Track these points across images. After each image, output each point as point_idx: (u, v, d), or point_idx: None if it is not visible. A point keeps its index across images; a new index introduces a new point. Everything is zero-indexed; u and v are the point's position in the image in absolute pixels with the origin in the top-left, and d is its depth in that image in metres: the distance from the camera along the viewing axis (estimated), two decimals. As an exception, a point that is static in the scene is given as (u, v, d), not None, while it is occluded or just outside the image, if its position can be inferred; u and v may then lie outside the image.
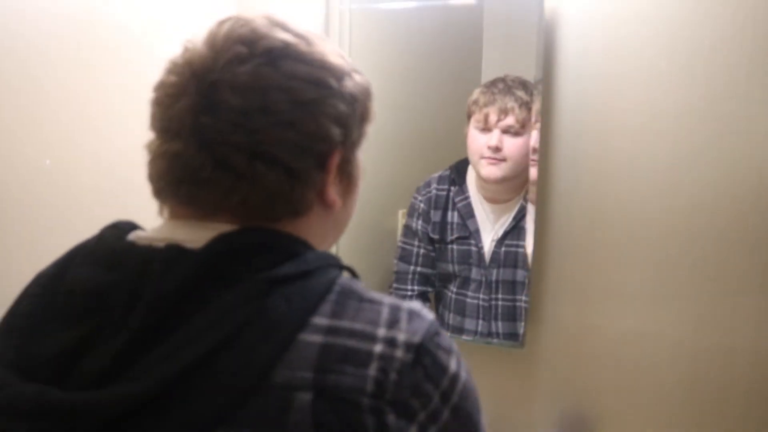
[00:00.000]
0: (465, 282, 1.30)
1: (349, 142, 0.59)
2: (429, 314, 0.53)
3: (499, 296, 1.27)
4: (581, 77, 1.19)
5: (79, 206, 1.15)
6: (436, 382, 0.50)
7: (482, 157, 1.24)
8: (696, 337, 1.14)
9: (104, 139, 1.20)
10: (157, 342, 0.47)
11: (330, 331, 0.49)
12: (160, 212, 0.59)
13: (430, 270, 1.34)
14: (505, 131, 1.22)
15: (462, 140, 1.29)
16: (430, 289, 1.34)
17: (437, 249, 1.33)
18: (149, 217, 0.61)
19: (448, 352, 0.52)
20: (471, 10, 1.29)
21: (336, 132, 0.56)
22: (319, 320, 0.49)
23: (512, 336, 1.25)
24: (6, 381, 0.48)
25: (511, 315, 1.25)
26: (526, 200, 1.25)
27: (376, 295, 0.53)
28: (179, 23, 1.35)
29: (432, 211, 1.33)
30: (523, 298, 1.24)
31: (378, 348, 0.49)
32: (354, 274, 0.57)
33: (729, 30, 1.10)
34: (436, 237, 1.33)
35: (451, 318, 1.31)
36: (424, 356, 0.50)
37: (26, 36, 1.07)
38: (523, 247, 1.25)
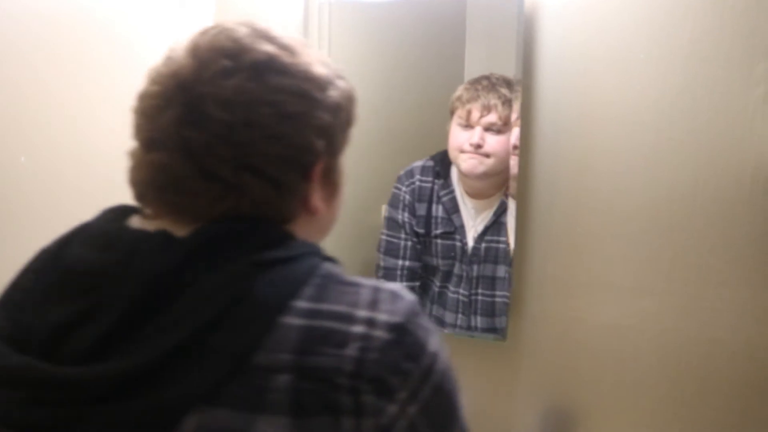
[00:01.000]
0: (447, 276, 1.31)
1: (333, 150, 0.61)
2: (410, 295, 0.55)
3: (479, 291, 1.28)
4: (561, 69, 1.17)
5: (55, 203, 1.16)
6: (417, 361, 0.52)
7: (463, 152, 1.23)
8: (678, 328, 1.14)
9: (82, 136, 1.21)
10: (144, 321, 0.49)
11: (311, 314, 0.51)
12: (143, 214, 0.61)
13: (417, 263, 1.35)
14: (488, 128, 1.21)
15: (445, 135, 1.27)
16: (417, 284, 1.35)
17: (421, 242, 1.34)
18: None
19: (428, 331, 0.54)
20: (453, 2, 1.25)
21: (320, 144, 0.58)
22: (301, 304, 0.51)
23: (491, 330, 1.26)
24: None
25: (490, 310, 1.26)
26: (506, 196, 1.24)
27: (359, 278, 0.55)
28: (159, 19, 1.35)
29: (417, 204, 1.33)
30: (503, 293, 1.24)
31: (358, 328, 0.50)
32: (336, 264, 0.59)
33: (708, 22, 1.07)
34: (420, 231, 1.33)
35: (434, 310, 1.32)
36: (405, 335, 0.51)
37: (3, 33, 1.07)
38: (504, 243, 1.24)
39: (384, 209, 1.37)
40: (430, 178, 1.32)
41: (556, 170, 1.19)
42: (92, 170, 1.22)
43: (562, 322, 1.22)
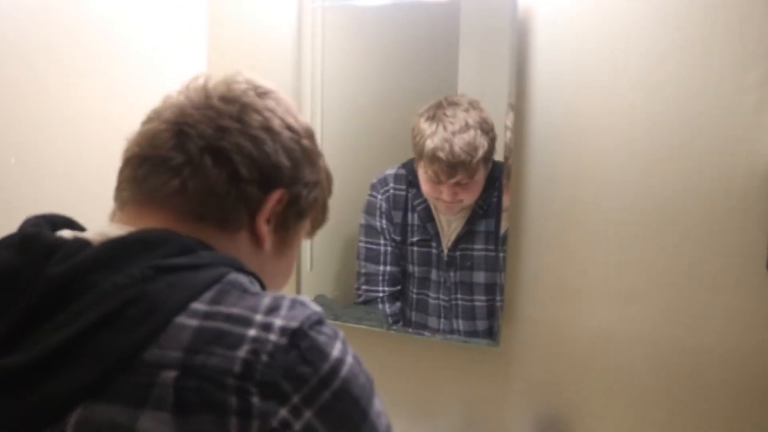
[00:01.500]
0: (425, 283, 1.34)
1: (294, 194, 0.65)
2: (315, 306, 0.56)
3: (459, 296, 1.30)
4: (555, 75, 1.17)
5: (46, 205, 1.15)
6: (315, 366, 0.52)
7: (437, 200, 1.26)
8: (670, 334, 1.15)
9: (72, 137, 1.22)
10: (45, 319, 0.51)
11: (207, 315, 0.52)
12: (111, 217, 0.65)
13: (397, 268, 1.37)
14: (456, 183, 1.22)
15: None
16: (398, 288, 1.38)
17: (398, 248, 1.36)
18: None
19: (331, 338, 0.54)
20: (447, 7, 1.22)
21: (287, 167, 0.64)
22: (199, 306, 0.52)
23: (473, 333, 1.29)
24: None
25: (471, 314, 1.30)
26: (479, 206, 1.25)
27: (263, 291, 0.57)
28: (152, 19, 1.35)
29: (393, 212, 1.35)
30: (482, 297, 1.27)
31: (252, 332, 0.51)
32: (259, 280, 0.60)
33: (700, 30, 1.07)
34: (397, 238, 1.35)
35: (414, 315, 1.35)
36: (301, 340, 0.52)
37: (1, 31, 1.08)
38: (479, 250, 1.26)
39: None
40: (403, 187, 1.33)
41: (549, 176, 1.20)
42: (82, 174, 1.23)
43: (555, 328, 1.24)
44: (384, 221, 1.35)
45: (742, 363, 1.11)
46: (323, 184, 0.71)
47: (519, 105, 1.18)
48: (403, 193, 1.33)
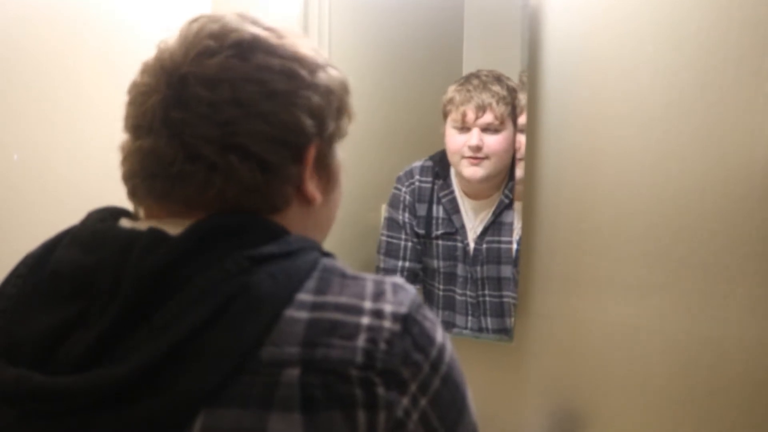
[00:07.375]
0: (451, 278, 1.29)
1: (326, 135, 0.58)
2: (411, 288, 0.54)
3: (486, 292, 1.26)
4: (567, 66, 1.14)
5: (49, 201, 1.14)
6: (426, 352, 0.50)
7: (463, 157, 1.21)
8: (685, 328, 1.12)
9: (75, 133, 1.18)
10: (139, 322, 0.47)
11: (315, 306, 0.49)
12: (136, 214, 0.59)
13: (418, 265, 1.32)
14: (485, 129, 1.19)
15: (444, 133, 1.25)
16: (417, 286, 1.33)
17: (422, 243, 1.31)
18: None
19: (433, 323, 0.53)
20: (452, 0, 1.22)
21: (310, 124, 0.56)
22: (304, 297, 0.49)
23: (502, 331, 1.24)
24: None
25: (500, 311, 1.24)
26: (505, 195, 1.22)
27: (359, 273, 0.54)
28: (155, 14, 1.32)
29: (417, 204, 1.31)
30: (510, 293, 1.22)
31: (365, 320, 0.49)
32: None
33: (716, 14, 1.04)
34: (421, 232, 1.31)
35: (441, 314, 1.30)
36: (412, 326, 0.50)
37: None
38: (506, 242, 1.22)
39: (383, 209, 1.34)
40: (429, 179, 1.30)
41: (562, 168, 1.17)
42: (87, 169, 1.19)
43: (569, 322, 1.20)
44: (407, 215, 1.31)
45: (761, 355, 1.08)
46: (344, 99, 0.61)
47: (530, 96, 1.16)
48: (429, 185, 1.29)
